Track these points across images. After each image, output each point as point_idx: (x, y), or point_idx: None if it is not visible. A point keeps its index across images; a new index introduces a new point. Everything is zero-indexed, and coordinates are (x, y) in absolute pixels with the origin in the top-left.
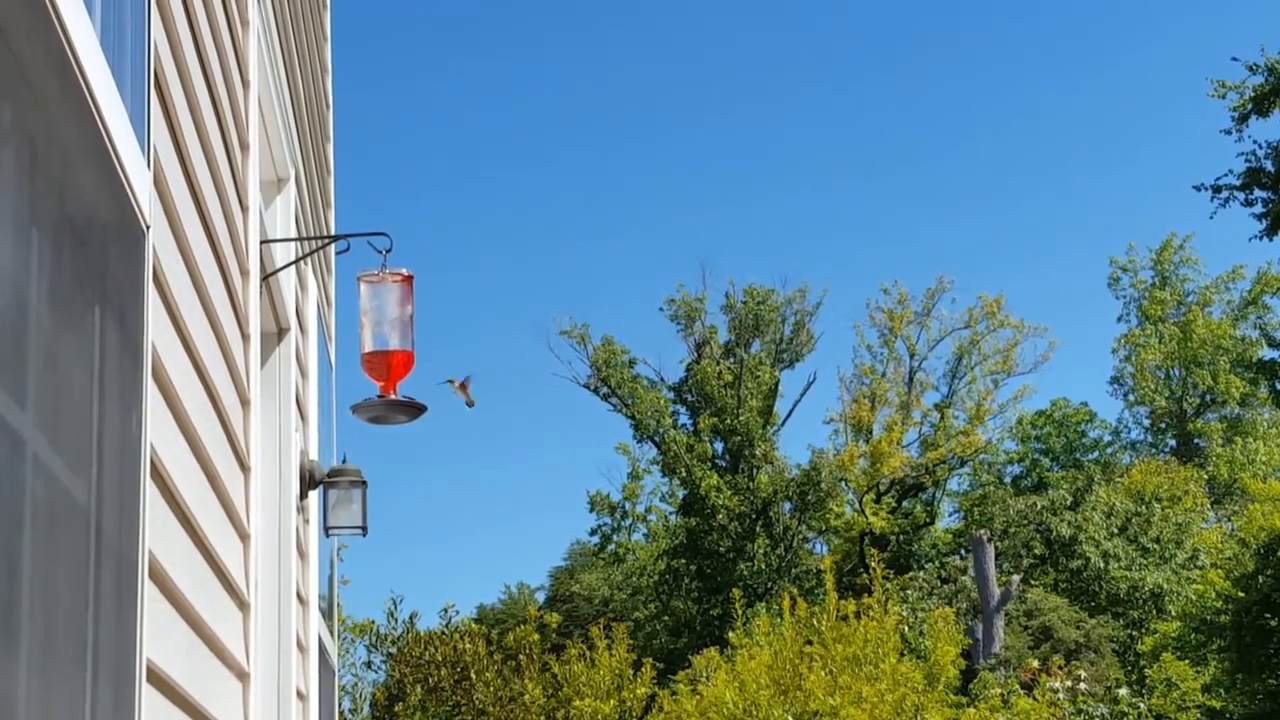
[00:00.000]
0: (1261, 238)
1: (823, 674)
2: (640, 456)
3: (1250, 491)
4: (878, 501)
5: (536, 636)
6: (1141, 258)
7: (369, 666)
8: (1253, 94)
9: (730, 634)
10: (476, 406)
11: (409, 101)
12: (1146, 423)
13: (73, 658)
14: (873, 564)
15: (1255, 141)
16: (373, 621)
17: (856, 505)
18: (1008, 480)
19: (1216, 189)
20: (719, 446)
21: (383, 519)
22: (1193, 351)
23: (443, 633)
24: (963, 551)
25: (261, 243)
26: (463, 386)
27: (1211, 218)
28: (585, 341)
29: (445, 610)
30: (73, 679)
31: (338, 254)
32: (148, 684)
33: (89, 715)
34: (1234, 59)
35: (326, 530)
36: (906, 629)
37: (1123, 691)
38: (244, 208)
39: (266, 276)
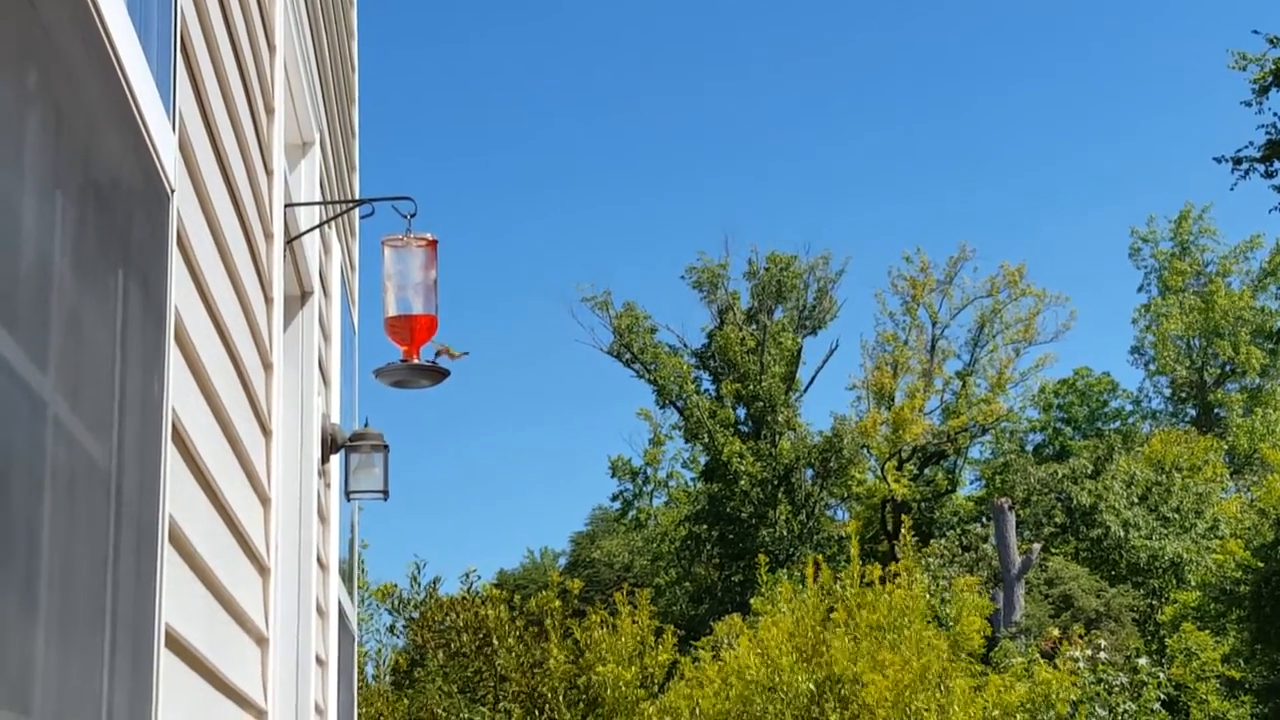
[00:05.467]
0: None
1: (846, 641)
2: (662, 422)
3: (1270, 462)
4: (899, 469)
5: (559, 603)
6: (1162, 228)
7: (392, 631)
8: (1273, 67)
9: (754, 600)
10: (501, 372)
11: (434, 66)
12: (1167, 392)
13: (91, 622)
14: (903, 531)
15: (1276, 114)
16: (395, 585)
17: (878, 472)
18: (1029, 448)
19: (1237, 161)
20: (741, 412)
21: (404, 483)
22: (1214, 322)
23: (465, 598)
24: (984, 519)
25: (286, 206)
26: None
27: (1232, 189)
28: (608, 308)
29: (467, 575)
30: (91, 644)
31: (362, 218)
32: (166, 649)
33: (107, 680)
34: (1255, 32)
35: (348, 494)
36: (929, 596)
37: (1142, 661)
38: (268, 171)
39: (290, 240)
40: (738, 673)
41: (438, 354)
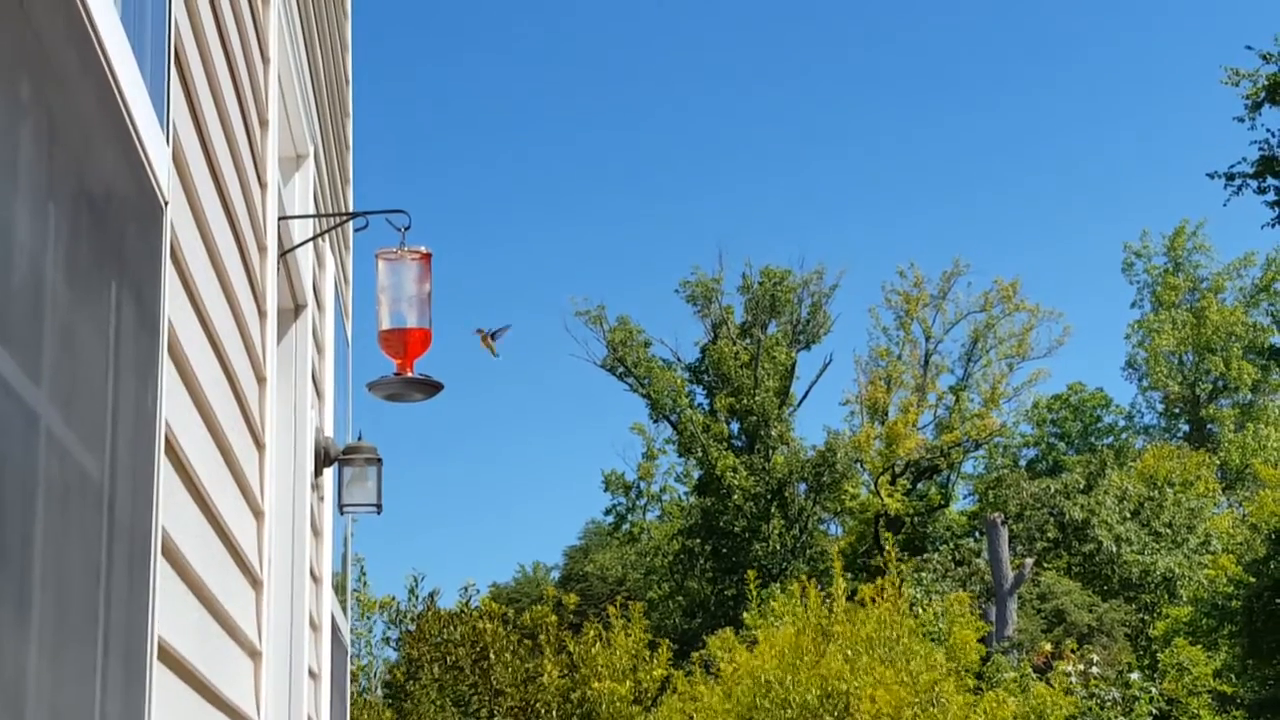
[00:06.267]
0: (1274, 225)
1: (839, 660)
2: (656, 436)
3: (1261, 477)
4: (893, 483)
5: (554, 617)
6: (1155, 244)
7: (386, 642)
8: (1266, 83)
9: (745, 614)
10: (494, 385)
11: (428, 79)
12: (1160, 408)
13: (84, 635)
14: (887, 547)
15: (1268, 130)
16: (393, 598)
17: (871, 487)
18: (1023, 464)
19: (1230, 177)
20: (735, 427)
21: (397, 497)
22: (1206, 337)
23: (462, 612)
24: (977, 534)
25: (280, 219)
26: (491, 337)
27: (1225, 205)
28: (601, 322)
29: (465, 589)
30: (84, 656)
31: (356, 231)
32: (158, 662)
33: (99, 693)
34: (1248, 47)
35: (341, 508)
36: (920, 611)
37: (1134, 676)
38: (262, 184)
39: (284, 253)
40: (750, 674)
41: (495, 335)
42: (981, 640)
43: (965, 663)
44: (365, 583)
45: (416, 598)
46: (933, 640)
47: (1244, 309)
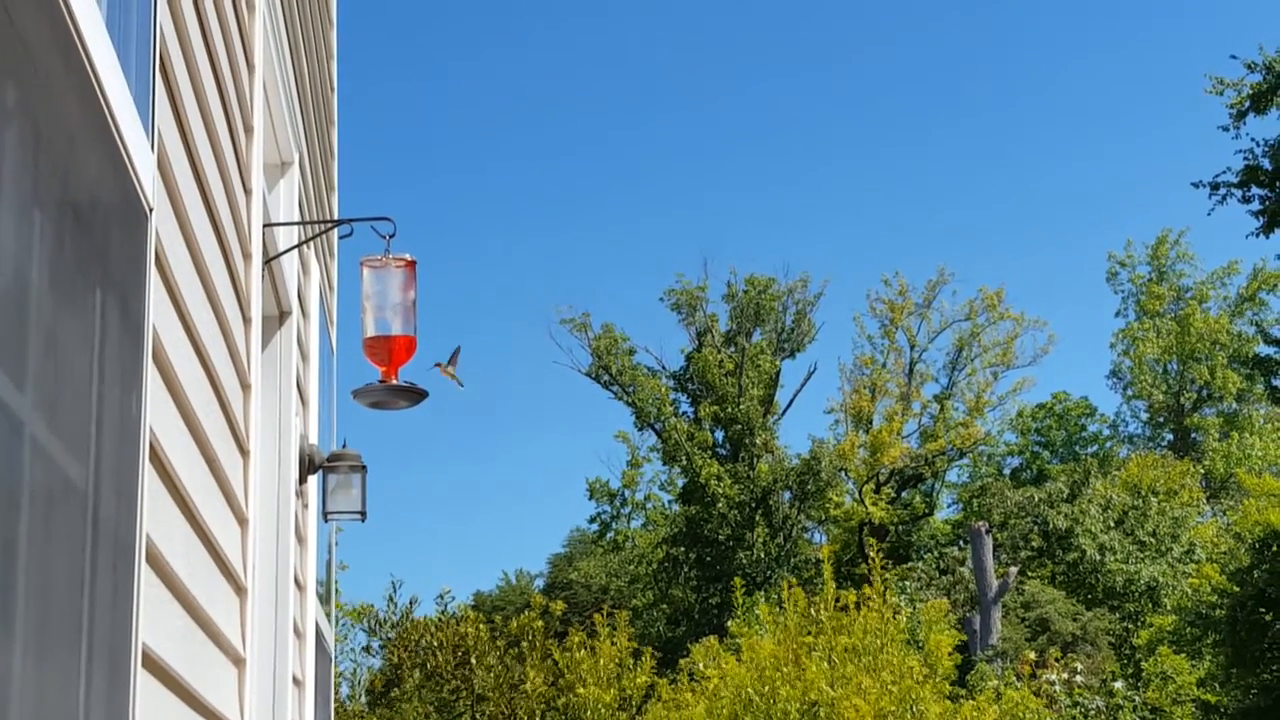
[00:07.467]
0: (1258, 235)
1: (824, 665)
2: (640, 444)
3: (1245, 486)
4: (877, 492)
5: (541, 624)
6: (1139, 253)
7: (368, 651)
8: (1250, 92)
9: (730, 623)
10: (479, 393)
11: (413, 87)
12: (1144, 416)
13: (68, 642)
14: (872, 554)
15: (1253, 139)
16: (371, 606)
17: (856, 495)
18: (1007, 472)
19: (1214, 186)
20: (719, 435)
21: (382, 504)
22: (1190, 346)
23: (441, 619)
24: (961, 543)
25: (264, 226)
26: (449, 364)
27: (1209, 214)
28: (586, 329)
29: (442, 596)
30: (67, 664)
31: (341, 238)
32: (143, 669)
33: (83, 700)
34: (1233, 57)
35: (325, 515)
36: (904, 620)
37: (1118, 684)
38: (247, 191)
39: (269, 260)
40: (734, 687)
41: (451, 361)
42: (962, 647)
43: (942, 670)
44: (338, 590)
45: (395, 605)
46: (915, 648)
47: (1228, 318)
